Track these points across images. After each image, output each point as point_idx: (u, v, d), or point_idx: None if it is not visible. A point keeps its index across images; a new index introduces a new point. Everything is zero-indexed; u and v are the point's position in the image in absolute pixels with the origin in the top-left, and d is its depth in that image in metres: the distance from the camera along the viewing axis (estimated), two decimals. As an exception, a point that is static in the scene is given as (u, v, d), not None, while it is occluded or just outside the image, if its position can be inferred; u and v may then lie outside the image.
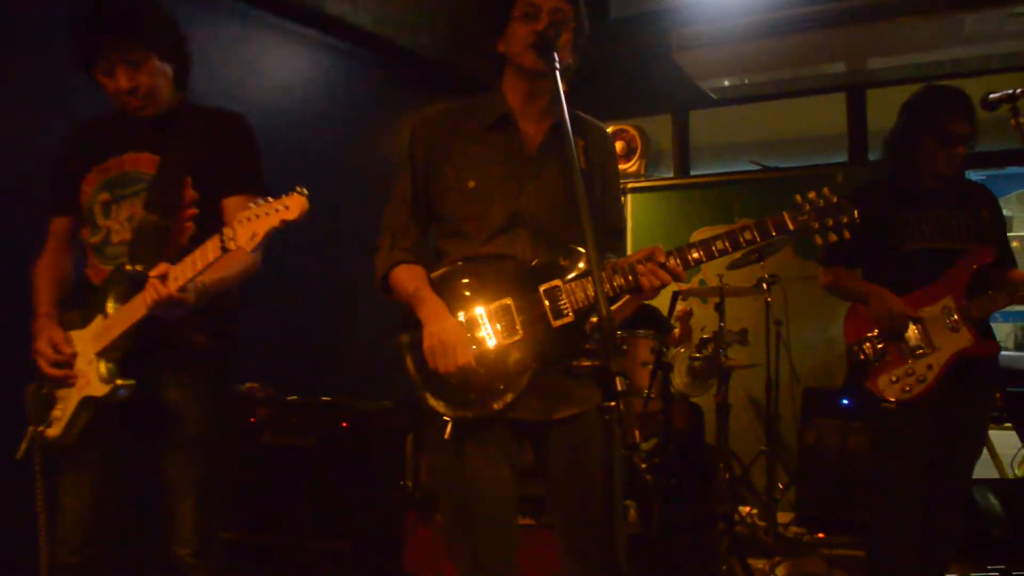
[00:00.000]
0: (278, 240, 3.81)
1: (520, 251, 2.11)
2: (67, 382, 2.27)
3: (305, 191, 1.95)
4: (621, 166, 5.91)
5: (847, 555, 4.29)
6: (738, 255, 4.53)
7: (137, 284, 2.21)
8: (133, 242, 2.29)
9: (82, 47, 2.27)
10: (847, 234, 2.00)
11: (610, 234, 2.32)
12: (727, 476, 4.48)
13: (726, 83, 5.69)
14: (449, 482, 2.15)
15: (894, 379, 2.92)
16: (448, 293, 2.11)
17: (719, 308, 4.44)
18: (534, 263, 2.09)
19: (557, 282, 2.04)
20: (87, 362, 2.26)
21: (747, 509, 4.87)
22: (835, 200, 2.01)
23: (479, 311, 2.06)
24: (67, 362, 2.28)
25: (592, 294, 2.01)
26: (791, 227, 2.00)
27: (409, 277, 2.15)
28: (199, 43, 3.96)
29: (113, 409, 2.24)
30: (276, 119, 4.42)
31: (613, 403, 1.61)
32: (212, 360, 2.41)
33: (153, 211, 2.28)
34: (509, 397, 2.02)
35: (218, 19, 4.19)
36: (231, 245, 2.01)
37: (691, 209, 5.90)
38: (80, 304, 2.35)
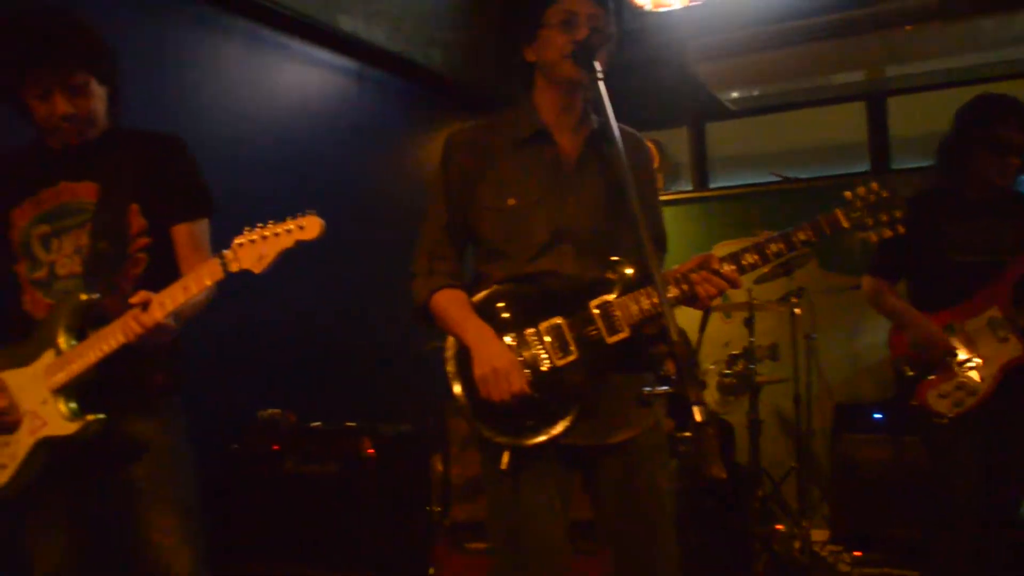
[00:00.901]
0: (296, 265, 3.77)
1: (566, 268, 2.03)
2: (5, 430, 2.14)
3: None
4: (637, 180, 5.83)
5: (883, 574, 4.19)
6: (792, 255, 4.45)
7: (92, 313, 2.12)
8: (86, 272, 2.16)
9: (12, 69, 2.11)
10: (901, 228, 1.93)
11: (654, 243, 2.24)
12: (759, 494, 4.38)
13: (744, 93, 5.63)
14: (500, 511, 2.05)
15: (943, 394, 2.84)
16: (494, 316, 2.02)
17: (748, 323, 4.35)
18: (582, 279, 2.01)
19: (608, 297, 1.97)
20: (40, 401, 2.11)
21: (781, 527, 4.76)
22: (885, 194, 1.94)
23: (530, 332, 1.98)
24: (5, 412, 2.14)
25: (647, 307, 1.93)
26: (846, 224, 1.93)
27: (451, 302, 2.07)
28: (209, 65, 3.98)
29: (73, 448, 2.10)
30: (289, 139, 4.36)
31: (688, 434, 1.51)
32: (172, 395, 2.30)
33: (102, 239, 2.17)
34: (568, 421, 1.93)
35: (229, 40, 4.13)
36: (234, 267, 1.94)
37: (711, 222, 5.82)
38: (11, 340, 2.21)
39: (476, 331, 1.99)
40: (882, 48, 4.96)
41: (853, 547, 4.43)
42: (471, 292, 2.10)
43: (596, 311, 1.96)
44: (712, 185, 6.00)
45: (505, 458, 1.95)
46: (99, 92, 2.20)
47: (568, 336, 1.96)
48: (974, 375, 2.82)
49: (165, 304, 2.00)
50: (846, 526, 4.56)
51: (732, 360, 4.34)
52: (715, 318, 5.40)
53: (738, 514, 4.25)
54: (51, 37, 2.10)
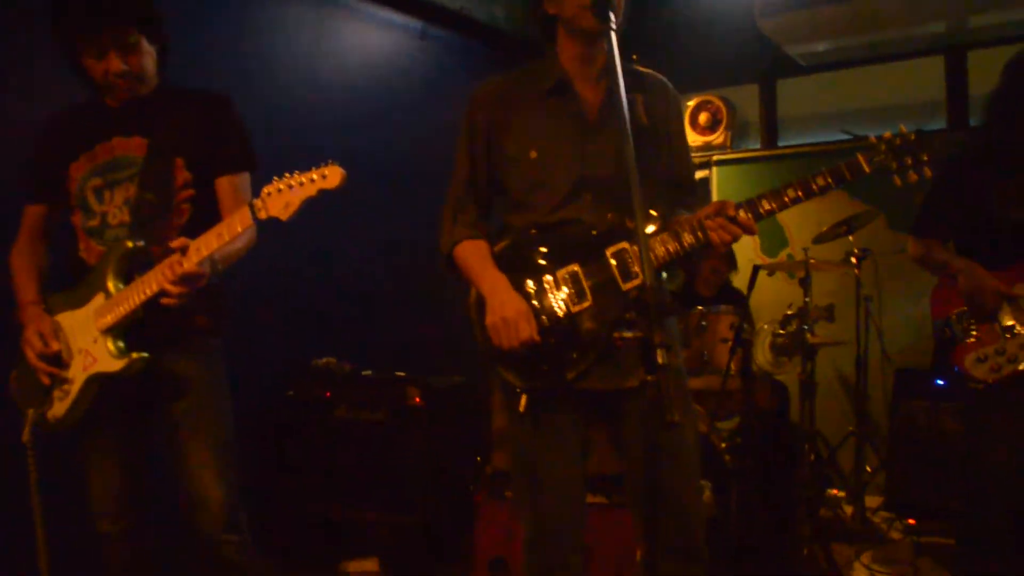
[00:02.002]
0: (355, 217, 3.88)
1: (587, 216, 2.08)
2: (53, 376, 2.31)
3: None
4: (706, 138, 5.75)
5: (938, 543, 4.08)
6: (825, 228, 4.35)
7: (138, 259, 2.26)
8: (133, 220, 2.30)
9: (72, 30, 2.25)
10: (928, 172, 1.94)
11: (681, 188, 2.27)
12: (812, 458, 4.32)
13: (815, 49, 5.43)
14: (519, 449, 2.15)
15: (982, 358, 2.73)
16: (514, 264, 2.09)
17: (804, 283, 4.26)
18: (599, 227, 2.05)
19: (624, 244, 2.01)
20: (92, 340, 2.29)
21: (834, 492, 4.69)
22: (912, 137, 1.94)
23: (547, 279, 2.04)
24: (53, 357, 2.31)
25: (662, 253, 1.97)
26: (867, 169, 1.94)
27: (471, 253, 2.15)
28: (276, 27, 4.11)
29: (121, 384, 2.26)
30: (354, 97, 4.47)
31: (652, 378, 1.55)
32: (213, 337, 2.45)
33: (149, 191, 2.30)
34: (582, 366, 1.99)
35: (295, 1, 4.23)
36: (262, 215, 2.06)
37: (779, 181, 5.53)
38: (68, 285, 2.37)
39: (491, 281, 2.07)
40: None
41: (907, 515, 4.34)
42: (494, 242, 2.17)
43: (612, 258, 2.01)
44: (781, 144, 5.84)
45: (523, 401, 2.02)
46: (149, 50, 2.35)
47: (584, 283, 2.02)
48: (1017, 342, 2.70)
49: (200, 250, 2.13)
50: (901, 493, 4.45)
51: (786, 320, 4.26)
52: (779, 278, 5.31)
53: (788, 476, 4.21)
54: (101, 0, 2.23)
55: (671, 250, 1.98)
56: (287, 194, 2.03)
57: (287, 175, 2.05)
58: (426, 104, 4.84)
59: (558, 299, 2.02)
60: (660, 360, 1.51)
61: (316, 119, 4.18)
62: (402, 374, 3.99)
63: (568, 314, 2.01)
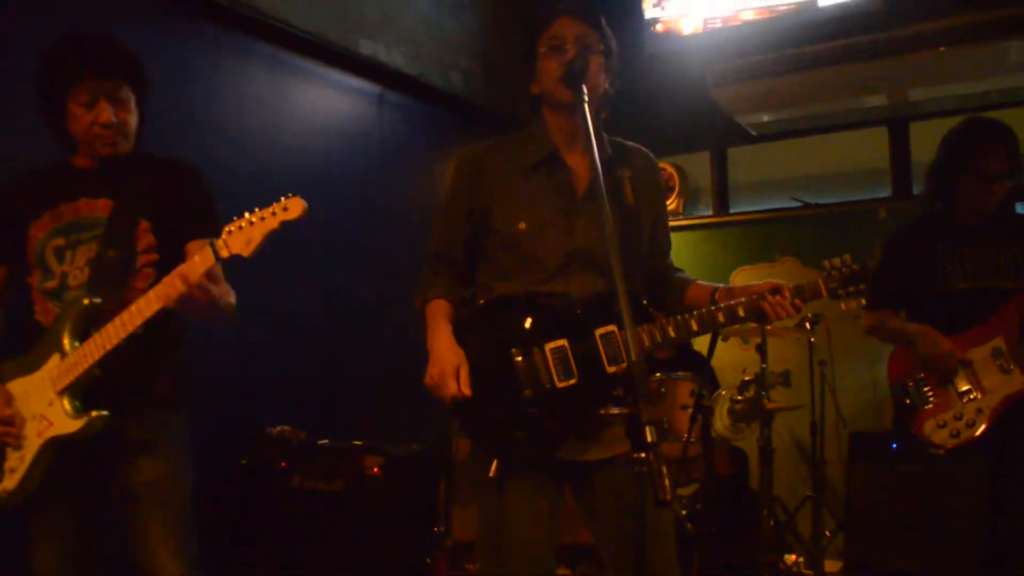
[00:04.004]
0: (310, 281, 3.80)
1: (575, 290, 2.08)
2: (7, 442, 2.23)
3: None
4: (659, 204, 5.81)
5: (900, 606, 4.08)
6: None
7: (96, 317, 2.20)
8: (92, 277, 2.25)
9: (67, 75, 2.24)
10: (864, 301, 2.12)
11: (663, 260, 2.32)
12: (771, 523, 4.32)
13: (765, 118, 5.59)
14: (487, 516, 2.11)
15: (941, 424, 2.78)
16: (499, 331, 2.08)
17: (760, 349, 4.31)
18: (587, 305, 2.05)
19: (613, 328, 2.01)
20: (47, 403, 2.20)
21: (793, 558, 4.68)
22: (856, 267, 2.08)
23: (535, 350, 2.03)
24: (9, 421, 2.23)
25: (648, 343, 2.00)
26: (824, 293, 2.09)
27: (433, 311, 2.17)
28: (232, 89, 4.09)
29: (77, 455, 2.18)
30: (311, 162, 4.44)
31: (643, 455, 1.54)
32: (176, 406, 2.38)
33: (110, 248, 2.27)
34: (559, 437, 2.00)
35: (252, 64, 4.23)
36: (224, 253, 2.03)
37: (731, 247, 5.78)
38: (23, 350, 2.30)
39: (435, 335, 2.10)
40: (904, 72, 4.89)
41: (866, 579, 4.34)
42: (479, 304, 2.17)
43: (600, 340, 2.01)
44: (733, 210, 5.96)
45: (493, 466, 2.01)
46: (134, 111, 2.35)
47: (571, 360, 2.02)
48: (974, 407, 2.77)
49: (187, 276, 2.08)
50: (860, 557, 4.45)
51: (743, 386, 4.29)
52: (732, 344, 5.35)
53: (748, 542, 4.19)
54: (106, 51, 2.27)
55: (656, 337, 2.02)
56: (248, 230, 2.01)
57: (247, 212, 2.04)
58: (384, 168, 4.85)
59: (544, 371, 2.02)
60: (650, 438, 1.50)
61: (272, 183, 4.13)
62: (359, 442, 3.90)
63: (553, 388, 2.01)
